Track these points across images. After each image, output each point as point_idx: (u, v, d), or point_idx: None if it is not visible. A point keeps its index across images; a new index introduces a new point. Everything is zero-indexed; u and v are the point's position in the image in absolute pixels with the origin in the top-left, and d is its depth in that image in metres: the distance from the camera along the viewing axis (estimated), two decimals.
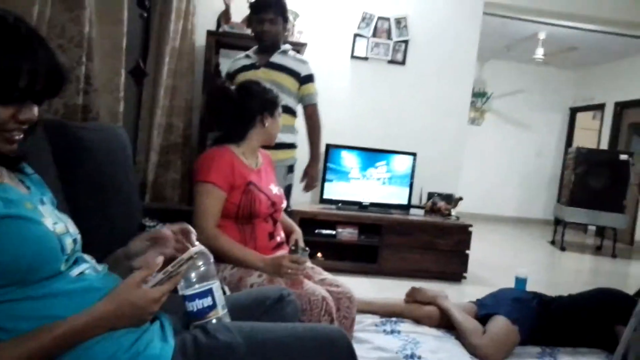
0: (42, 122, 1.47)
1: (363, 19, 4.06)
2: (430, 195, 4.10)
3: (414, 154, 3.95)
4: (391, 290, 3.06)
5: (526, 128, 8.13)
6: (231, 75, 2.79)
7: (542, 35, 5.99)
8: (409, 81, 4.19)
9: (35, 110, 0.89)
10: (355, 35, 4.07)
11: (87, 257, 1.03)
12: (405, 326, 2.52)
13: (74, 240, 0.98)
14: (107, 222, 1.60)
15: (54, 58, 0.89)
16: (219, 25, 3.67)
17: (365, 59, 4.12)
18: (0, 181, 0.91)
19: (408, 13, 4.12)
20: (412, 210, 4.02)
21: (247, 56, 2.84)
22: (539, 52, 6.18)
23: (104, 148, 1.70)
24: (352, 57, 4.10)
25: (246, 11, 3.65)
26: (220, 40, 3.65)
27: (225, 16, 3.65)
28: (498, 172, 7.85)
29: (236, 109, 1.84)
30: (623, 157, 5.70)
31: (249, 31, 3.64)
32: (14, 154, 0.94)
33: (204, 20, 3.63)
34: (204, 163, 1.76)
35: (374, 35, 4.08)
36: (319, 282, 1.82)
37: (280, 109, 1.93)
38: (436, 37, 4.19)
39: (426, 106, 4.24)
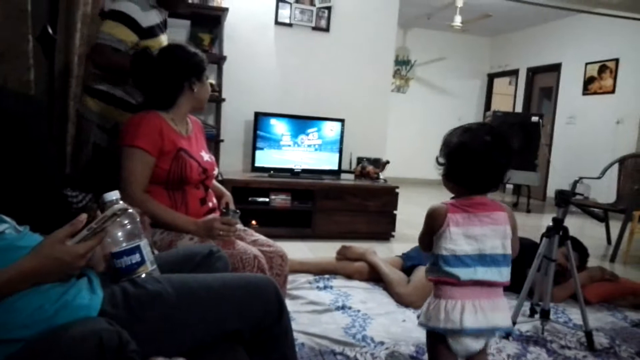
0: None
1: None
2: (359, 160, 4.22)
3: (342, 120, 4.04)
4: (326, 251, 3.16)
5: (448, 94, 8.51)
6: (146, 33, 2.29)
7: (459, 3, 6.23)
8: (333, 48, 4.24)
9: None
10: (278, 1, 4.03)
11: (6, 218, 1.00)
12: (337, 282, 2.64)
13: None
14: (23, 190, 1.53)
15: None
16: None
17: (290, 25, 4.10)
18: None
19: None
20: (343, 175, 4.13)
21: (154, 7, 2.34)
22: (457, 20, 6.43)
23: (17, 117, 1.61)
24: (276, 23, 4.07)
25: None
26: None
27: None
28: (423, 137, 8.18)
29: (161, 75, 1.77)
30: (534, 119, 6.15)
31: None
32: None
33: None
34: (131, 127, 1.70)
35: (297, 1, 4.06)
36: (251, 243, 1.86)
37: (207, 73, 1.88)
38: (357, 4, 4.25)
39: (351, 73, 4.32)
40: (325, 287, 2.55)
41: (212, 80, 3.77)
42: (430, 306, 1.35)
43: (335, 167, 4.06)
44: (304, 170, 3.95)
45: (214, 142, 3.78)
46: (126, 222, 1.08)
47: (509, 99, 8.42)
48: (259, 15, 4.02)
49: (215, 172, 1.94)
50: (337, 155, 4.05)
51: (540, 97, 7.85)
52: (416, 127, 8.20)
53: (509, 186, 7.50)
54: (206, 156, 1.89)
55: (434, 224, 1.34)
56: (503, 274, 1.34)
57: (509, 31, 8.09)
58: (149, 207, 1.63)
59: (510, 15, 6.99)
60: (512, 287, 2.63)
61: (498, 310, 1.32)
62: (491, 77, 8.76)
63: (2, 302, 0.85)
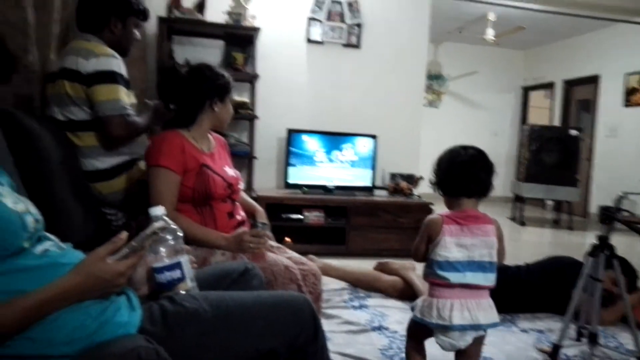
0: None
1: (316, 2, 4.06)
2: (393, 176, 4.18)
3: (374, 136, 4.02)
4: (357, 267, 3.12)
5: (482, 108, 8.37)
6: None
7: (491, 16, 6.16)
8: (364, 64, 4.24)
9: None
10: (310, 19, 4.07)
11: (50, 235, 1.03)
12: (373, 301, 2.59)
13: (36, 220, 0.99)
14: (59, 207, 1.57)
15: (2, 43, 0.89)
16: (169, 11, 3.60)
17: (321, 42, 4.13)
18: None
19: None
20: (376, 192, 4.09)
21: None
22: (490, 33, 6.35)
23: (45, 136, 1.67)
24: (308, 41, 4.10)
25: None
26: (172, 26, 3.59)
27: (175, 1, 3.58)
28: None
29: (186, 91, 1.81)
30: (573, 132, 5.96)
31: (200, 16, 3.60)
32: None
33: (154, 6, 3.55)
34: (155, 147, 1.74)
35: (328, 18, 4.10)
36: (287, 258, 1.85)
37: (231, 95, 1.91)
38: (388, 20, 4.25)
39: (383, 89, 4.30)
40: (360, 307, 2.50)
41: (245, 98, 3.83)
42: (424, 303, 1.53)
43: (369, 184, 4.03)
44: (337, 187, 3.94)
45: (247, 159, 3.81)
46: (169, 237, 1.09)
47: (545, 112, 8.21)
48: (291, 34, 4.07)
49: (241, 185, 1.95)
50: (370, 171, 4.02)
51: (578, 110, 7.62)
52: (450, 141, 7.85)
53: (549, 202, 7.27)
54: (230, 171, 1.91)
55: (431, 233, 1.52)
56: (488, 279, 1.52)
57: (543, 43, 7.93)
58: (180, 224, 1.63)
59: (544, 27, 6.86)
60: (555, 308, 2.53)
61: (482, 310, 1.49)
62: (526, 90, 8.58)
63: (45, 319, 0.86)
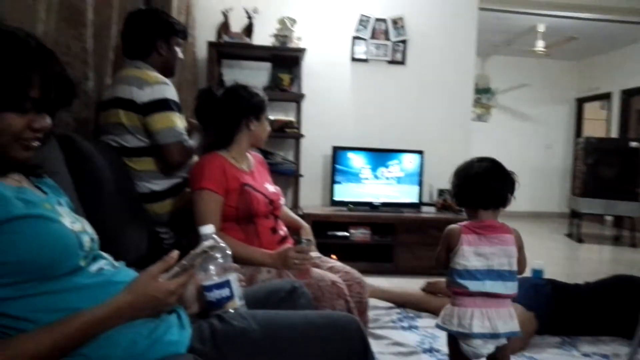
0: (56, 134, 1.52)
1: (360, 21, 4.10)
2: (441, 192, 4.09)
3: (421, 152, 3.96)
4: (408, 287, 3.05)
5: (533, 121, 8.10)
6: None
7: (541, 27, 5.99)
8: (410, 80, 4.21)
9: (48, 119, 0.93)
10: (354, 38, 4.11)
11: (105, 254, 1.06)
12: (423, 321, 2.52)
13: (92, 239, 1.02)
14: (115, 227, 1.63)
15: (63, 70, 0.93)
16: (219, 36, 3.72)
17: (366, 60, 4.15)
18: (20, 185, 0.95)
19: (404, 13, 4.15)
20: (424, 208, 4.02)
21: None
22: (540, 45, 6.17)
23: (102, 159, 1.74)
24: (353, 59, 4.13)
25: (244, 21, 3.73)
26: (221, 50, 3.71)
27: (224, 27, 3.71)
28: (509, 167, 7.80)
29: (222, 112, 1.86)
30: (633, 144, 5.64)
31: (248, 40, 3.71)
32: (31, 162, 0.98)
33: (204, 33, 3.69)
34: (197, 171, 1.79)
35: (373, 37, 4.12)
36: (328, 269, 1.86)
37: (267, 113, 1.94)
38: (433, 36, 4.22)
39: (429, 104, 4.25)
40: (410, 327, 2.44)
41: (291, 117, 3.88)
42: (447, 311, 1.57)
43: (416, 200, 3.96)
44: (384, 204, 3.90)
45: (293, 177, 3.85)
46: (218, 256, 1.10)
47: (601, 124, 7.84)
48: (336, 53, 4.11)
49: (282, 201, 1.97)
50: (417, 187, 3.96)
51: (638, 121, 7.23)
52: (501, 156, 7.74)
53: (609, 218, 6.89)
54: (271, 187, 1.94)
55: (450, 242, 1.57)
56: (509, 287, 1.54)
57: (597, 53, 7.61)
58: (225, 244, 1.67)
59: (598, 36, 6.59)
60: (621, 331, 2.37)
61: (502, 319, 1.51)
62: (580, 102, 8.24)
63: (99, 337, 0.88)
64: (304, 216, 3.35)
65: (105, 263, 1.02)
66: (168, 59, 2.14)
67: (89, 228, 1.05)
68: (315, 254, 1.84)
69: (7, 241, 0.84)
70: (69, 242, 0.93)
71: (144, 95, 1.92)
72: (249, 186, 1.80)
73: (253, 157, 1.99)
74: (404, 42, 4.15)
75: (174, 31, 2.15)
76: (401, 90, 4.21)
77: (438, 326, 1.59)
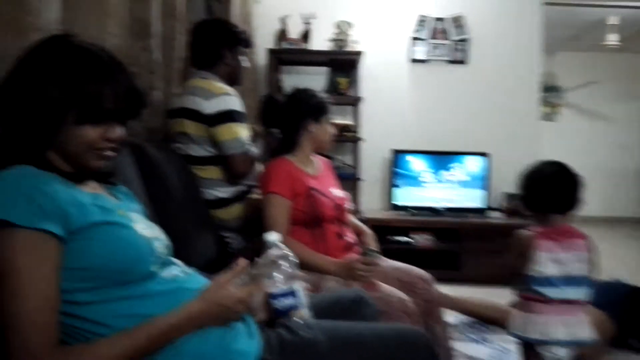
0: (127, 143, 1.57)
1: (419, 22, 4.01)
2: (509, 197, 3.91)
3: (486, 154, 3.81)
4: (476, 296, 2.92)
5: (606, 120, 7.60)
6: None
7: (611, 20, 5.61)
8: (472, 80, 4.07)
9: (121, 130, 0.96)
10: (413, 39, 4.03)
11: (176, 260, 1.07)
12: (493, 334, 2.40)
13: (164, 245, 1.04)
14: (185, 232, 1.66)
15: (133, 81, 0.96)
16: (277, 43, 3.77)
17: (425, 61, 4.05)
18: (95, 192, 0.98)
19: (464, 11, 4.03)
20: (490, 213, 3.86)
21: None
22: (611, 38, 5.79)
23: (171, 167, 1.79)
24: (411, 60, 4.05)
25: (301, 27, 3.75)
26: (280, 57, 3.75)
27: (282, 34, 3.75)
28: (579, 169, 7.37)
29: (283, 116, 1.89)
30: None
31: (306, 46, 3.72)
32: (105, 170, 1.01)
33: (263, 40, 3.74)
34: (265, 176, 1.82)
35: (432, 37, 4.02)
36: (387, 268, 1.83)
37: (329, 115, 1.92)
38: (496, 33, 4.06)
39: (493, 104, 4.09)
40: (481, 340, 2.33)
41: (349, 121, 3.85)
42: (521, 319, 1.56)
43: (481, 205, 3.81)
44: (447, 209, 3.78)
45: (352, 181, 3.81)
46: (284, 264, 1.10)
47: None
48: (394, 54, 4.04)
49: (348, 206, 1.95)
50: (482, 191, 3.80)
51: None
52: (571, 156, 7.38)
53: None
54: (337, 192, 1.92)
55: (523, 249, 1.56)
56: (585, 293, 1.55)
57: None
58: (292, 250, 1.66)
59: None
60: None
61: (580, 325, 1.51)
62: None
63: (170, 345, 0.89)
64: (363, 221, 3.30)
65: (178, 269, 1.03)
66: (234, 68, 2.17)
67: (160, 234, 1.07)
68: (382, 263, 1.79)
69: (85, 247, 0.87)
70: (141, 248, 0.95)
71: (209, 106, 1.96)
72: (315, 190, 1.80)
73: (320, 161, 1.99)
74: (464, 40, 4.02)
75: (238, 40, 2.18)
76: (463, 90, 4.08)
77: (513, 334, 1.58)
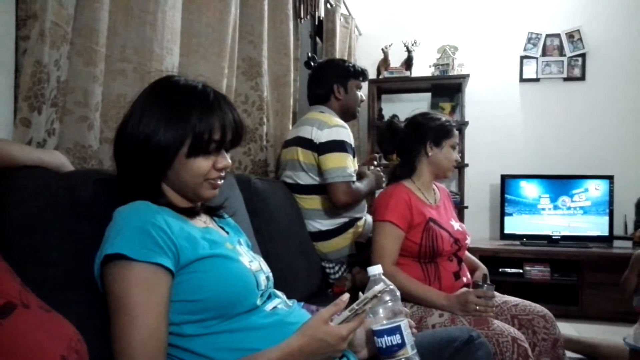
0: (235, 176, 1.68)
1: (529, 39, 3.81)
2: (636, 223, 3.49)
3: (610, 178, 3.46)
4: (597, 335, 2.62)
5: None
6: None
7: None
8: (591, 97, 3.74)
9: (228, 158, 1.02)
10: (522, 58, 3.83)
11: (278, 292, 1.10)
12: None
13: (267, 277, 1.07)
14: (287, 264, 1.71)
15: (235, 112, 1.02)
16: (378, 73, 3.80)
17: (537, 80, 3.82)
18: (205, 225, 1.04)
19: (581, 25, 3.74)
20: (616, 242, 3.47)
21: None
22: None
23: (276, 198, 1.86)
24: (521, 80, 3.84)
25: (404, 54, 3.75)
26: (381, 86, 3.78)
27: (384, 63, 3.78)
28: None
29: (402, 141, 1.83)
30: None
31: (408, 73, 3.71)
32: (215, 204, 1.08)
33: None
34: (381, 202, 1.74)
35: (544, 54, 3.79)
36: (502, 303, 1.69)
37: (454, 139, 1.81)
38: (617, 46, 3.70)
39: (616, 122, 3.71)
40: None
41: None
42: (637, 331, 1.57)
43: (605, 233, 3.44)
44: (564, 237, 3.47)
45: (457, 208, 3.66)
46: (388, 299, 1.06)
47: None
48: (502, 75, 3.87)
49: (468, 241, 1.83)
50: (606, 218, 3.44)
51: None
52: None
53: None
54: (456, 225, 1.80)
55: None
56: None
57: None
58: (398, 280, 1.59)
59: None
60: None
61: None
62: None
63: None
64: (470, 250, 3.14)
65: (279, 302, 1.05)
66: (346, 102, 2.24)
67: (264, 266, 1.10)
68: (496, 299, 1.67)
69: (194, 279, 0.91)
70: (248, 281, 0.98)
71: (322, 135, 2.04)
72: (434, 222, 1.71)
73: (440, 191, 1.90)
74: (582, 56, 3.73)
75: (350, 74, 2.24)
76: (581, 108, 3.76)
77: (626, 344, 1.56)
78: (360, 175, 2.21)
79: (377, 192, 2.40)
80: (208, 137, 0.96)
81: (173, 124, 0.95)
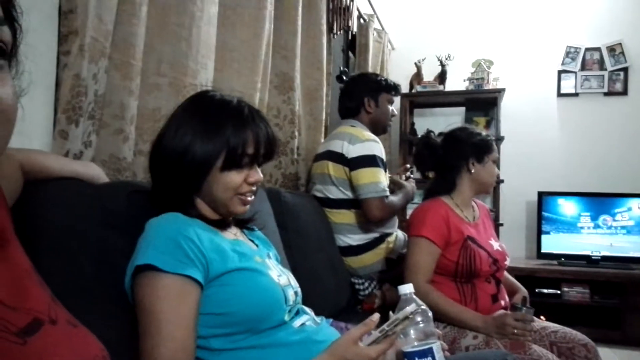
0: (265, 189, 1.68)
1: (567, 53, 3.71)
2: None
3: None
4: None
5: None
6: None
7: None
8: (633, 112, 3.60)
9: (260, 173, 1.02)
10: (560, 72, 3.73)
11: (307, 309, 1.08)
12: None
13: (295, 293, 1.05)
14: (316, 279, 1.68)
15: (269, 127, 1.02)
16: (411, 87, 3.77)
17: (575, 95, 3.71)
18: (236, 238, 1.04)
19: (622, 38, 3.62)
20: None
21: None
22: None
23: (306, 212, 1.85)
24: (559, 95, 3.74)
25: (437, 69, 3.71)
26: (413, 100, 3.75)
27: (417, 77, 3.75)
28: None
29: (442, 156, 1.77)
30: None
31: (441, 87, 3.67)
32: (245, 216, 1.07)
33: None
34: (418, 217, 1.69)
35: (583, 68, 3.68)
36: (540, 329, 1.61)
37: (495, 154, 1.77)
38: None
39: None
40: None
41: None
42: None
43: None
44: (605, 258, 3.32)
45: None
46: (419, 319, 1.02)
47: None
48: (539, 90, 3.78)
49: (507, 262, 1.74)
50: None
51: None
52: None
53: None
54: (496, 245, 1.73)
55: None
56: None
57: None
58: (432, 299, 1.54)
59: None
60: None
61: None
62: None
63: None
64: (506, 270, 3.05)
65: (307, 318, 1.04)
66: (377, 116, 2.22)
67: (293, 281, 1.09)
68: (535, 323, 1.59)
69: (222, 292, 0.91)
70: (276, 295, 0.97)
71: (353, 150, 2.02)
72: (473, 240, 1.65)
73: (479, 208, 1.84)
74: (624, 70, 3.61)
75: (381, 88, 2.23)
76: (623, 123, 3.62)
77: None
78: (394, 184, 2.19)
79: (410, 207, 2.38)
80: (241, 151, 0.97)
81: (208, 138, 0.96)
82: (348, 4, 2.88)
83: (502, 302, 1.67)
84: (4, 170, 0.75)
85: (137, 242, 0.91)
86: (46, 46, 1.12)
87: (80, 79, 1.14)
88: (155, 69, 1.44)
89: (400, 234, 2.20)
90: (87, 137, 1.20)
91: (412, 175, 2.33)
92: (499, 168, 3.51)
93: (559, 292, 3.21)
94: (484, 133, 1.77)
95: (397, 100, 3.66)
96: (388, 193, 2.03)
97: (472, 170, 1.73)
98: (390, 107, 2.27)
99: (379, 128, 2.21)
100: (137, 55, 1.33)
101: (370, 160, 2.00)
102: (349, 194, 2.05)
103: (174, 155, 0.97)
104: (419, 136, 2.26)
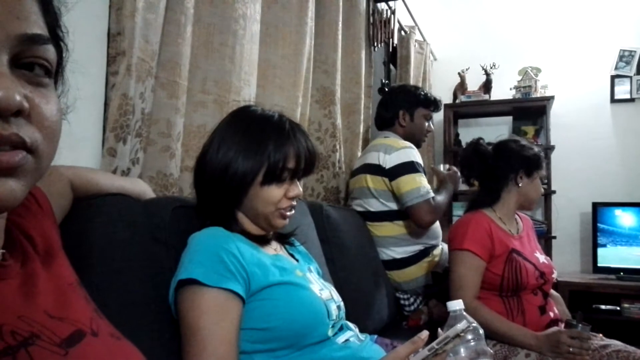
0: (307, 203, 1.68)
1: (621, 57, 3.54)
2: None
3: None
4: None
5: None
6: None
7: None
8: None
9: (300, 187, 1.01)
10: (613, 77, 3.56)
11: (350, 324, 1.06)
12: None
13: (338, 307, 1.04)
14: (360, 294, 1.66)
15: (309, 141, 1.02)
16: (455, 97, 3.71)
17: (631, 100, 3.52)
18: (276, 253, 1.04)
19: None
20: None
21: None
22: None
23: (348, 226, 1.83)
24: (612, 101, 3.56)
25: (481, 78, 3.63)
26: (457, 111, 3.67)
27: (461, 87, 3.68)
28: None
29: (488, 167, 1.73)
30: None
31: (487, 97, 3.58)
32: (286, 231, 1.07)
33: (441, 95, 3.71)
34: (459, 230, 1.65)
35: (638, 72, 3.50)
36: (601, 348, 1.50)
37: (543, 171, 1.73)
38: None
39: None
40: None
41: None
42: None
43: None
44: None
45: (544, 239, 3.42)
46: (470, 337, 0.98)
47: None
48: (590, 96, 3.61)
49: (554, 275, 1.69)
50: None
51: None
52: None
53: None
54: (541, 257, 1.68)
55: None
56: None
57: None
58: (481, 316, 1.48)
59: None
60: None
61: None
62: None
63: None
64: (559, 285, 2.91)
65: (351, 335, 1.02)
66: (410, 130, 2.19)
67: (335, 295, 1.07)
68: (593, 342, 1.50)
69: (263, 307, 0.90)
70: (318, 309, 0.95)
71: (390, 160, 2.00)
72: (517, 253, 1.60)
73: (522, 220, 1.80)
74: None
75: (419, 102, 2.19)
76: None
77: None
78: (435, 173, 2.20)
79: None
80: (282, 166, 0.97)
81: (250, 152, 0.97)
82: (389, 17, 2.87)
83: (551, 314, 1.60)
84: (54, 187, 0.78)
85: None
86: (96, 67, 1.17)
87: (128, 98, 1.18)
88: (200, 86, 1.48)
89: (445, 247, 2.15)
90: (135, 155, 1.24)
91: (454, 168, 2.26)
92: (549, 179, 3.43)
93: (618, 308, 3.02)
94: (536, 148, 1.73)
95: (439, 112, 3.62)
96: (433, 194, 1.99)
97: (520, 184, 1.69)
98: (427, 123, 2.22)
99: (412, 143, 2.16)
100: (182, 74, 1.37)
101: (409, 167, 1.98)
102: (390, 206, 2.02)
103: (217, 170, 0.98)
104: (464, 145, 2.21)
